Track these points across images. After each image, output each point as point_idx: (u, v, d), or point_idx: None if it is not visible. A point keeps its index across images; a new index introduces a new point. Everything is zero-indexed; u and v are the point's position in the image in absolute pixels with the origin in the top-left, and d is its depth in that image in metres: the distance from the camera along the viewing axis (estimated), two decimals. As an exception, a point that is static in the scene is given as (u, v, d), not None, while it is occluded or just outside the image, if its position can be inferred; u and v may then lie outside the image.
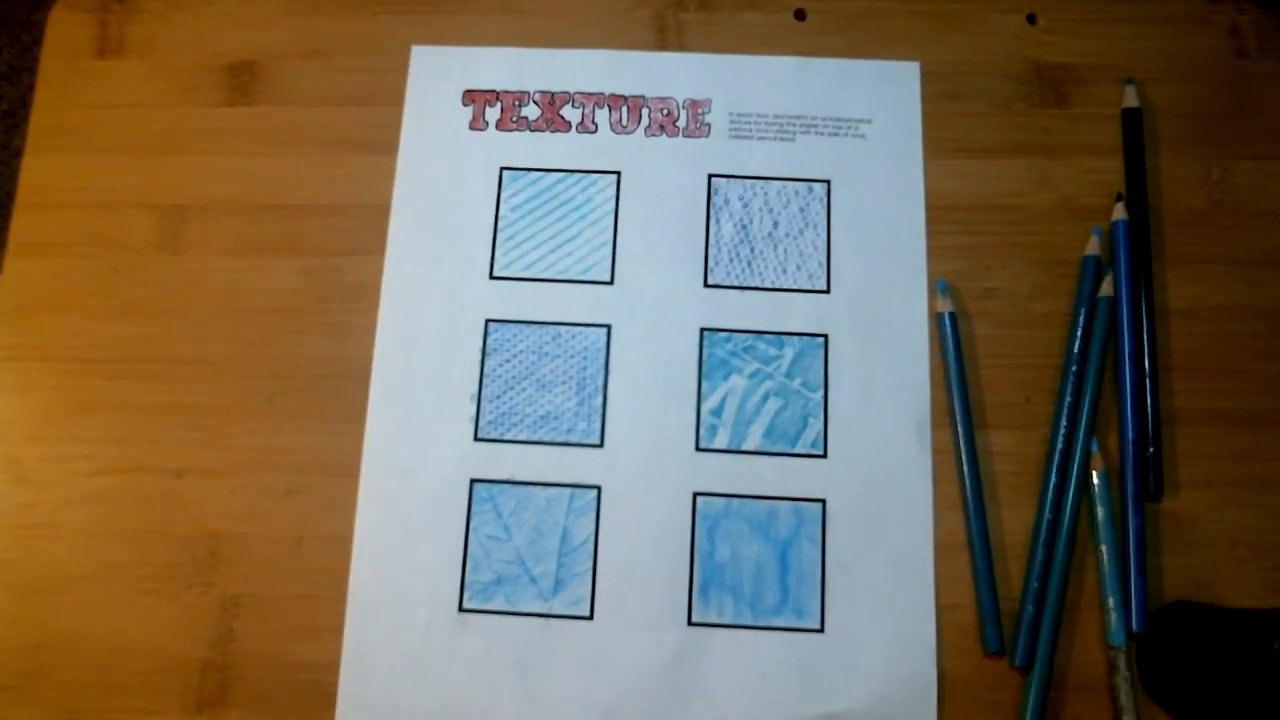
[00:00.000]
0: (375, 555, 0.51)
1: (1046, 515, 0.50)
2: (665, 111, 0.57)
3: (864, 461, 0.51)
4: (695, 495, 0.51)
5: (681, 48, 0.58)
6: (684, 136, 0.56)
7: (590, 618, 0.50)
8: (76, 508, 0.52)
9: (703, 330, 0.53)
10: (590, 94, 0.57)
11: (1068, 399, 0.52)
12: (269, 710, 0.49)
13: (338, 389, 0.53)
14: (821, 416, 0.52)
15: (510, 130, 0.57)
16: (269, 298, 0.55)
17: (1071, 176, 0.56)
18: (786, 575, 0.50)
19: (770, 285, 0.54)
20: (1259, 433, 0.52)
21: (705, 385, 0.53)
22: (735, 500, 0.51)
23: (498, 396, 0.53)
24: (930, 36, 0.58)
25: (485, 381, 0.53)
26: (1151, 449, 0.51)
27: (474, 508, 0.51)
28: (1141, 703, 0.48)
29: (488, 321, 0.54)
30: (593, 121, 0.57)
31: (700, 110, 0.57)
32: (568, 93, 0.57)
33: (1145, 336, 0.52)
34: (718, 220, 0.55)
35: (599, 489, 0.51)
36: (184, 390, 0.53)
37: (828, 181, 0.56)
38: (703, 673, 0.49)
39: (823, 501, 0.51)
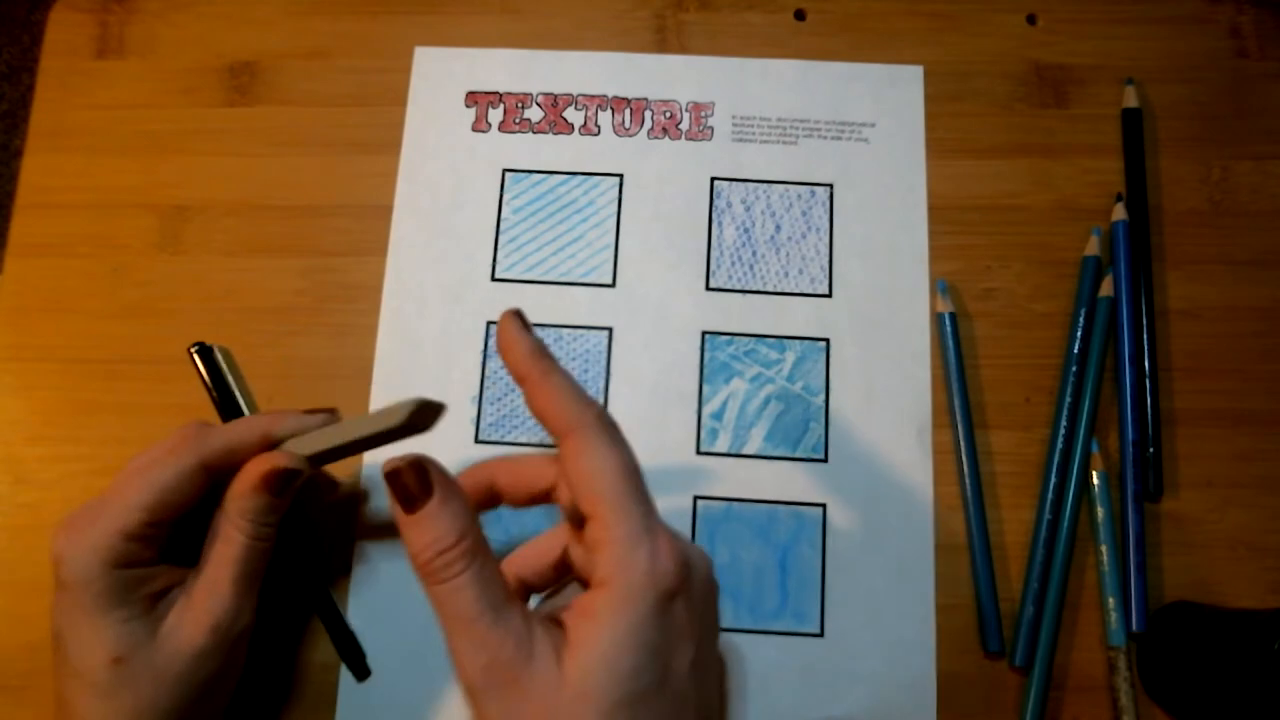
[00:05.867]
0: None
1: (1046, 515, 0.50)
2: (668, 114, 0.57)
3: (865, 466, 0.51)
4: (695, 499, 0.51)
5: (681, 48, 0.58)
6: (687, 139, 0.56)
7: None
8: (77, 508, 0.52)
9: (704, 333, 0.53)
10: (593, 96, 0.57)
11: (1068, 399, 0.52)
12: (269, 710, 0.49)
13: (338, 390, 0.53)
14: (823, 421, 0.52)
15: (513, 132, 0.57)
16: (269, 298, 0.54)
17: (1071, 176, 0.56)
18: (786, 579, 0.50)
19: (772, 289, 0.54)
20: (1259, 433, 0.52)
21: (706, 389, 0.53)
22: (736, 504, 0.51)
23: (499, 399, 0.53)
24: (930, 37, 0.58)
25: (486, 384, 0.53)
26: (1151, 449, 0.51)
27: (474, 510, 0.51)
28: (1141, 703, 0.48)
29: (489, 324, 0.54)
30: (595, 124, 0.57)
31: (703, 113, 0.57)
32: (571, 95, 0.57)
33: (1145, 336, 0.52)
34: (720, 223, 0.55)
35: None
36: (184, 390, 0.53)
37: (830, 185, 0.55)
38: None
39: (823, 506, 0.51)
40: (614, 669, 0.33)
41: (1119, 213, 0.54)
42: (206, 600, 0.41)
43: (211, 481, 0.42)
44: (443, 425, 0.51)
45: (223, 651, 0.41)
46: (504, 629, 0.34)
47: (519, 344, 0.37)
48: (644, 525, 0.35)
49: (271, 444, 0.43)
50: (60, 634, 0.40)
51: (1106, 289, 0.53)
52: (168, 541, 0.42)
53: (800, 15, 0.58)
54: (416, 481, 0.35)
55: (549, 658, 0.34)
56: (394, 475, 0.35)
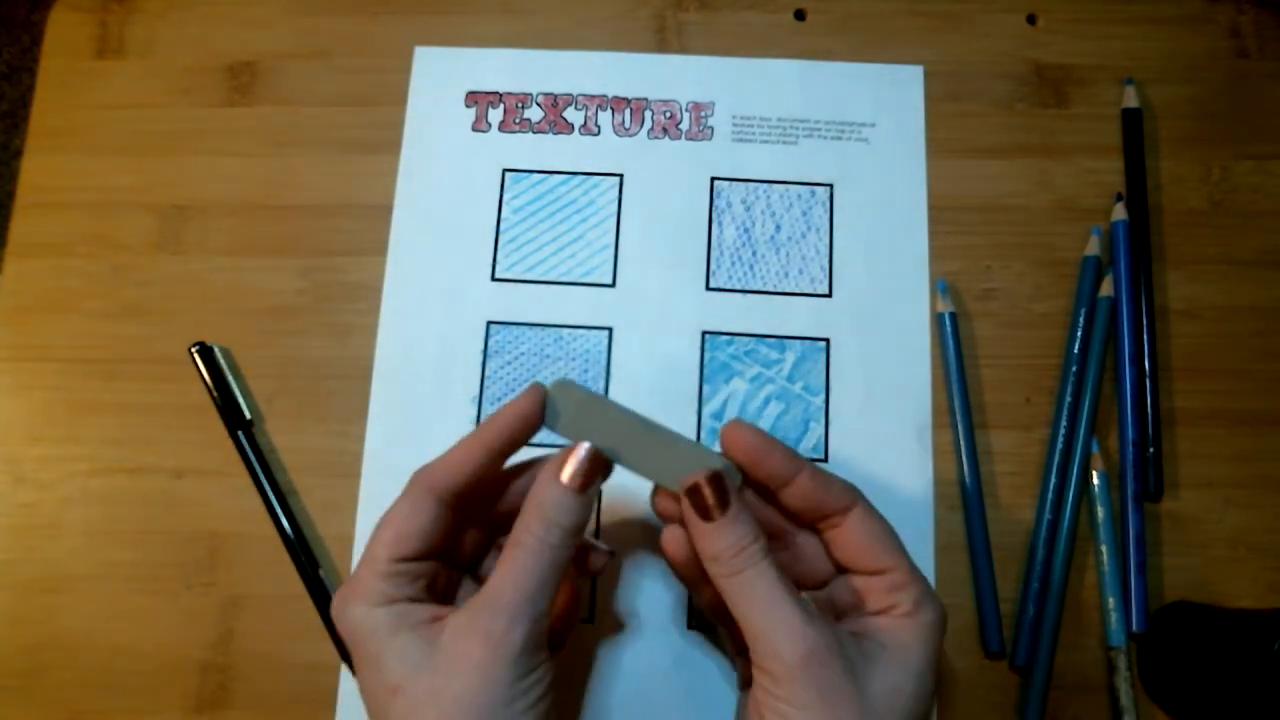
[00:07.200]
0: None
1: (1046, 515, 0.50)
2: (668, 114, 0.57)
3: (865, 465, 0.51)
4: (696, 497, 0.51)
5: (681, 48, 0.58)
6: (687, 139, 0.56)
7: (590, 620, 0.50)
8: (76, 508, 0.52)
9: (704, 333, 0.53)
10: (593, 96, 0.57)
11: (1068, 399, 0.52)
12: (269, 710, 0.49)
13: (338, 390, 0.53)
14: (823, 421, 0.52)
15: (513, 132, 0.57)
16: (269, 298, 0.54)
17: (1071, 176, 0.56)
18: (788, 578, 0.50)
19: (772, 289, 0.54)
20: (1259, 433, 0.52)
21: (706, 389, 0.53)
22: (737, 503, 0.51)
23: (499, 399, 0.53)
24: (930, 37, 0.58)
25: (486, 384, 0.53)
26: (1151, 449, 0.51)
27: (475, 509, 0.51)
28: (1141, 703, 0.48)
29: (489, 323, 0.54)
30: (595, 124, 0.57)
31: (703, 113, 0.57)
32: (571, 95, 0.57)
33: (1145, 336, 0.52)
34: (720, 223, 0.55)
35: (600, 491, 0.51)
36: (184, 390, 0.53)
37: (830, 185, 0.55)
38: (703, 677, 0.49)
39: (824, 505, 0.51)
40: (919, 686, 0.37)
41: (1119, 213, 0.54)
42: (484, 610, 0.38)
43: (456, 511, 0.40)
44: (443, 426, 0.52)
45: (506, 665, 0.37)
46: (821, 625, 0.36)
47: (775, 447, 0.40)
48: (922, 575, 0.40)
49: (498, 452, 0.40)
50: (364, 691, 0.38)
51: (1106, 289, 0.53)
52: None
53: (800, 15, 0.58)
54: (715, 494, 0.39)
55: (859, 662, 0.37)
56: (695, 490, 0.39)
